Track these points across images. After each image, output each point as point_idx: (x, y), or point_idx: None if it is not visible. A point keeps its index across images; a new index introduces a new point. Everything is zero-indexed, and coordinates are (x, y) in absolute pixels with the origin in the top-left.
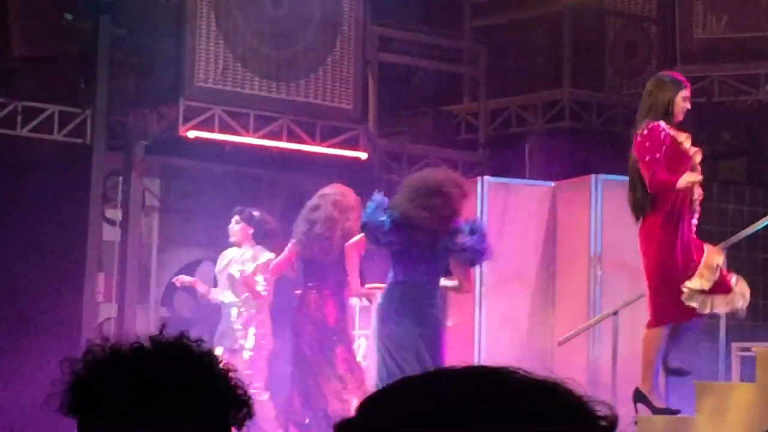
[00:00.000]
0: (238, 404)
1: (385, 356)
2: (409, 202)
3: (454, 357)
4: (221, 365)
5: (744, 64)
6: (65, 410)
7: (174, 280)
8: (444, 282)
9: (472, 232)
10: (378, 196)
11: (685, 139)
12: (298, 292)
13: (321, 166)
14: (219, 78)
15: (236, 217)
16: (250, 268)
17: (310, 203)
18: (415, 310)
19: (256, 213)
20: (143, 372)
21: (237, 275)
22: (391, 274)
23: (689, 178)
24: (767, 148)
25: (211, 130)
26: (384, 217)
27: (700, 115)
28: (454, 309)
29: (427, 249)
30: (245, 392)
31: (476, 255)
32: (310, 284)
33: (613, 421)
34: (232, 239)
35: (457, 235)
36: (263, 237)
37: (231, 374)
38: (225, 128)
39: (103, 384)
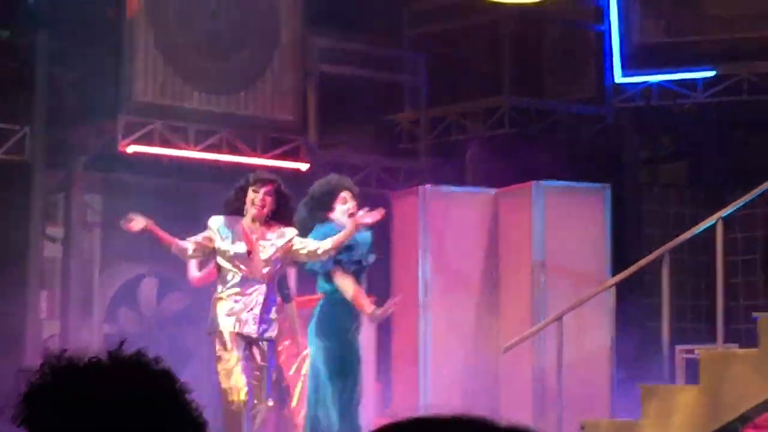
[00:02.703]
0: (195, 425)
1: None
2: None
3: (400, 365)
4: (178, 385)
5: (683, 68)
6: (17, 422)
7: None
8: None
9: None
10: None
11: None
12: None
13: None
14: (158, 92)
15: None
16: None
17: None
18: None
19: None
20: (99, 387)
21: None
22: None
23: None
24: (707, 151)
25: (151, 145)
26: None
27: (640, 119)
28: (398, 317)
29: None
30: (201, 414)
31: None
32: None
33: None
34: None
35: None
36: None
37: (188, 394)
38: (165, 142)
39: (58, 397)
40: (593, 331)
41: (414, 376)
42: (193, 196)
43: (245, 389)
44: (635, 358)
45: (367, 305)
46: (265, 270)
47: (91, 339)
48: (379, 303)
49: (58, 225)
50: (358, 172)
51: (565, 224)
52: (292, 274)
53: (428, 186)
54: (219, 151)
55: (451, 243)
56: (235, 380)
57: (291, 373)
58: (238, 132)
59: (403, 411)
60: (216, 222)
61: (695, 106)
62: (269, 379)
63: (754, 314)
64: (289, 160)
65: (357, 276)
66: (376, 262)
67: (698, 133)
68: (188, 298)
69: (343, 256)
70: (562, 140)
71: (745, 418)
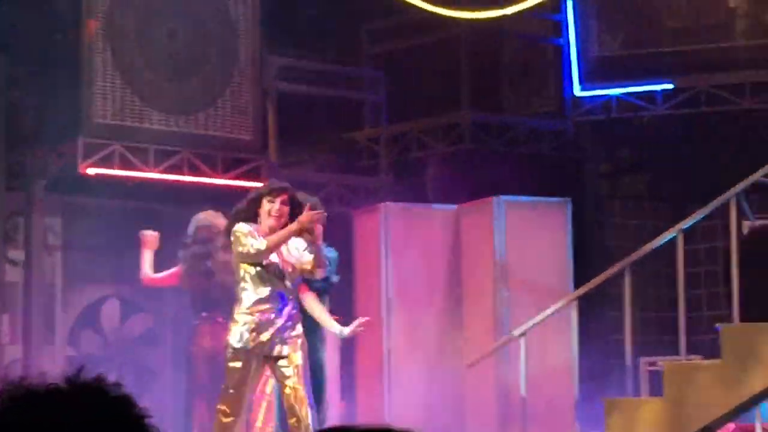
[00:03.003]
0: None
1: None
2: None
3: (365, 383)
4: (138, 410)
5: (642, 81)
6: None
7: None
8: None
9: None
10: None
11: None
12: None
13: (223, 199)
14: (117, 114)
15: None
16: None
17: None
18: None
19: None
20: (57, 414)
21: None
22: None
23: None
24: (668, 163)
25: (111, 167)
26: None
27: (600, 132)
28: (362, 335)
29: None
30: None
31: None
32: (204, 314)
33: None
34: None
35: None
36: None
37: (147, 420)
38: (125, 164)
39: (17, 424)
40: (556, 345)
41: (379, 393)
42: (155, 217)
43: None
44: (599, 371)
45: (334, 325)
46: (294, 284)
47: (53, 363)
48: (343, 322)
49: (19, 248)
50: (320, 190)
51: (527, 239)
52: None
53: (389, 203)
54: (179, 171)
55: (413, 259)
56: (242, 398)
57: (256, 393)
58: (198, 152)
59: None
60: (246, 229)
61: (655, 118)
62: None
63: (717, 325)
64: (249, 180)
65: (321, 295)
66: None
67: (658, 146)
68: (151, 319)
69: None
70: (523, 154)
71: (708, 429)
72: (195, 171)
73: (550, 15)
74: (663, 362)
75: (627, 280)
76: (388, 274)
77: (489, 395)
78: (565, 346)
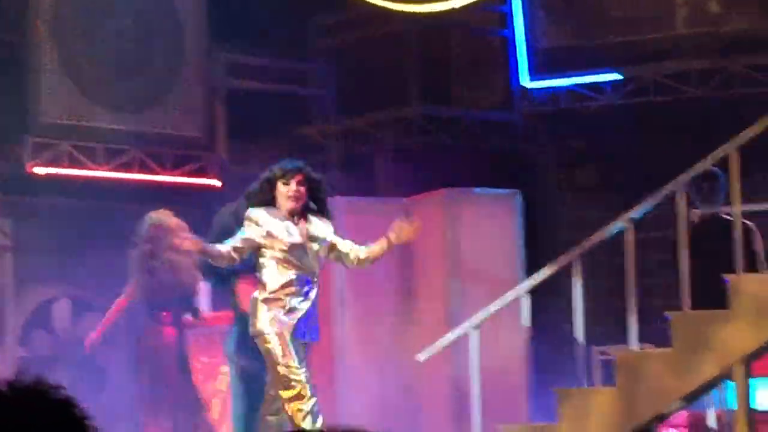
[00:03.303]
0: None
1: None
2: None
3: (317, 378)
4: (80, 412)
5: (590, 72)
6: None
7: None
8: None
9: None
10: None
11: None
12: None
13: (174, 196)
14: (65, 113)
15: None
16: None
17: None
18: None
19: None
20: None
21: None
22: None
23: None
24: (618, 154)
25: (60, 166)
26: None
27: (549, 124)
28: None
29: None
30: None
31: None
32: (153, 313)
33: None
34: None
35: None
36: None
37: (89, 421)
38: (74, 163)
39: None
40: (509, 337)
41: (331, 388)
42: (106, 216)
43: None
44: (552, 361)
45: None
46: (317, 267)
47: (4, 364)
48: None
49: None
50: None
51: (478, 231)
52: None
53: (339, 197)
54: (129, 169)
55: None
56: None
57: (209, 389)
58: (147, 150)
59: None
60: (258, 213)
61: (604, 108)
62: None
63: (666, 313)
64: (199, 177)
65: None
66: None
67: (608, 136)
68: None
69: (242, 268)
70: (473, 147)
71: (661, 417)
72: (144, 169)
73: (497, 7)
74: (614, 351)
75: (577, 270)
76: (339, 268)
77: (442, 388)
78: (517, 337)
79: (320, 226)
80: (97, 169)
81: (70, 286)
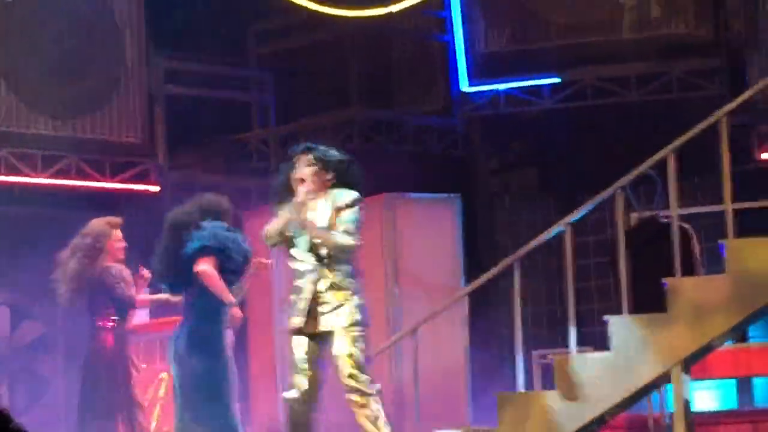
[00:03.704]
0: None
1: None
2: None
3: (259, 384)
4: (13, 425)
5: (529, 76)
6: None
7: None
8: None
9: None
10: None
11: None
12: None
13: (113, 202)
14: (3, 119)
15: None
16: None
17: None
18: None
19: None
20: None
21: None
22: None
23: None
24: (556, 157)
25: None
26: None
27: (489, 128)
28: (255, 336)
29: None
30: None
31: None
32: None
33: None
34: None
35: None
36: None
37: None
38: (12, 170)
39: None
40: (448, 342)
41: (272, 393)
42: (44, 223)
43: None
44: (491, 365)
45: (228, 295)
46: (325, 258)
47: None
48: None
49: None
50: (210, 192)
51: (418, 235)
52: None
53: None
54: (67, 176)
55: None
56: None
57: (148, 396)
58: (86, 157)
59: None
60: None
61: (543, 112)
62: None
63: (605, 317)
64: (138, 183)
65: (229, 286)
66: None
67: (547, 140)
68: (42, 326)
69: (225, 261)
70: (413, 152)
71: (600, 421)
72: (83, 175)
73: (436, 12)
74: (553, 356)
75: (516, 275)
76: (280, 274)
77: (383, 392)
78: (457, 342)
79: (320, 212)
80: (35, 177)
81: (8, 294)
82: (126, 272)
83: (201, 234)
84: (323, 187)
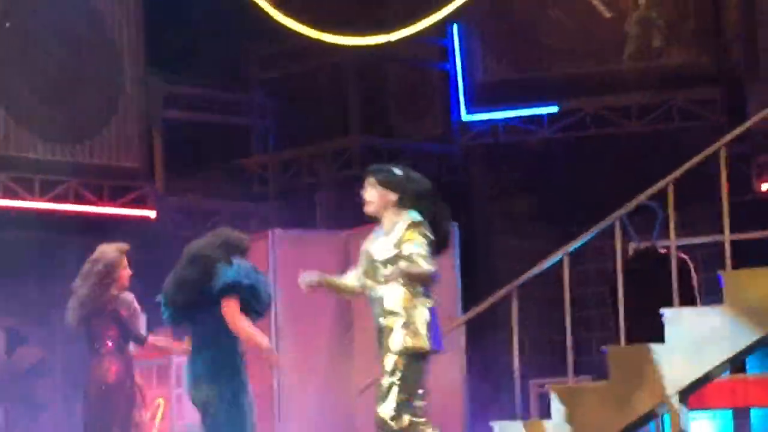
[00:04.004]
0: None
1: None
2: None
3: (256, 411)
4: None
5: (528, 104)
6: None
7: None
8: None
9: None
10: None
11: None
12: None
13: (112, 227)
14: (1, 144)
15: None
16: None
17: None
18: None
19: None
20: None
21: None
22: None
23: None
24: (555, 186)
25: None
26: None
27: (488, 156)
28: (252, 363)
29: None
30: None
31: (226, 289)
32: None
33: None
34: None
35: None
36: None
37: None
38: (10, 194)
39: None
40: (446, 370)
41: (270, 421)
42: (43, 247)
43: None
44: (489, 394)
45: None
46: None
47: None
48: None
49: None
50: (209, 217)
51: None
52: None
53: (278, 230)
54: (65, 200)
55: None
56: None
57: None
58: (84, 181)
59: None
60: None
61: (542, 141)
62: None
63: (603, 347)
64: (136, 208)
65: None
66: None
67: (545, 169)
68: (39, 351)
69: (252, 301)
70: None
71: None
72: (81, 200)
73: (436, 40)
74: (551, 385)
75: (514, 303)
76: (278, 302)
77: None
78: (454, 370)
79: (377, 243)
80: (33, 201)
81: (5, 318)
82: (136, 304)
83: (233, 270)
84: (390, 207)
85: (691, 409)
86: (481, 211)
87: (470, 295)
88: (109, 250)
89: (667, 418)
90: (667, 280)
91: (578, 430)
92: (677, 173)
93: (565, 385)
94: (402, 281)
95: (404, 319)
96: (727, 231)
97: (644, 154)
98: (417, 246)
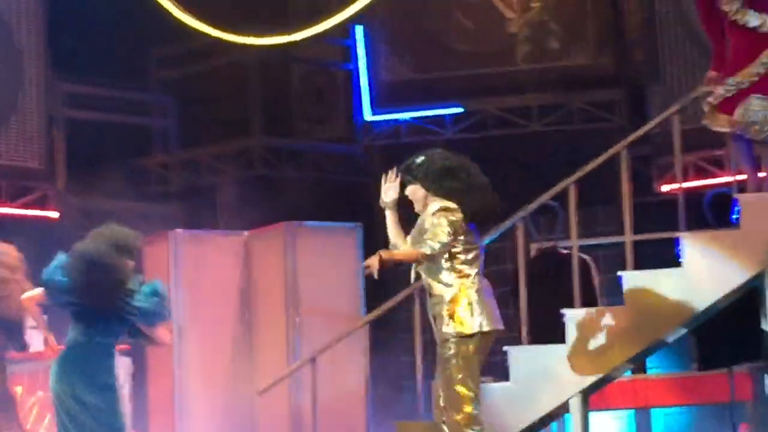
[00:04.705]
0: None
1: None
2: (77, 271)
3: (156, 412)
4: None
5: (431, 105)
6: None
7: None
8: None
9: (153, 294)
10: (61, 256)
11: None
12: None
13: (12, 228)
14: None
15: None
16: None
17: None
18: (89, 371)
19: None
20: None
21: None
22: (70, 335)
23: None
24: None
25: None
26: (62, 278)
27: (391, 156)
28: (153, 364)
29: (103, 311)
30: None
31: (150, 317)
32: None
33: None
34: None
35: (131, 298)
36: None
37: None
38: None
39: None
40: (348, 370)
41: (170, 421)
42: None
43: None
44: (392, 394)
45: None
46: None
47: None
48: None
49: None
50: (109, 217)
51: (318, 264)
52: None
53: (178, 230)
54: None
55: (204, 287)
56: None
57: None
58: None
59: None
60: None
61: (444, 142)
62: None
63: (505, 347)
64: (37, 209)
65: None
66: None
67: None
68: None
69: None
70: (315, 180)
71: None
72: None
73: (339, 40)
74: None
75: (416, 304)
76: (179, 302)
77: (282, 421)
78: (357, 370)
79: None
80: None
81: None
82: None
83: (153, 296)
84: (428, 198)
85: (593, 409)
86: (384, 213)
87: (373, 296)
88: (10, 254)
89: (568, 418)
90: (568, 280)
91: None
92: (579, 174)
93: None
94: (446, 266)
95: (449, 304)
96: (628, 231)
97: (546, 155)
98: (433, 228)
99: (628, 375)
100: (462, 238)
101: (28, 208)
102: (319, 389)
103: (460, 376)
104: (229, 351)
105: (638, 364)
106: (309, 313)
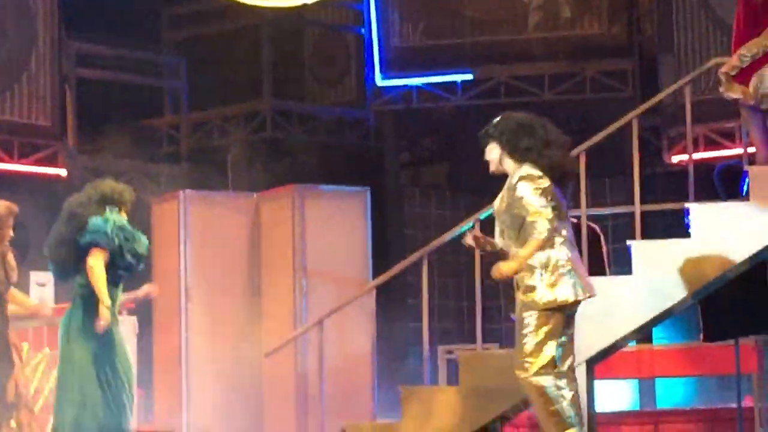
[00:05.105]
0: None
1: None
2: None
3: (162, 370)
4: None
5: (442, 71)
6: None
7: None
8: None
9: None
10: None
11: None
12: None
13: (22, 184)
14: None
15: None
16: None
17: None
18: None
19: None
20: None
21: None
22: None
23: None
24: (467, 154)
25: None
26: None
27: (401, 122)
28: (159, 322)
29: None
30: None
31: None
32: None
33: None
34: None
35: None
36: None
37: None
38: None
39: None
40: (355, 335)
41: (176, 382)
42: None
43: None
44: (398, 359)
45: (106, 297)
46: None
47: None
48: (138, 311)
49: None
50: (119, 177)
51: (326, 228)
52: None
53: (188, 191)
54: None
55: (212, 248)
56: None
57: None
58: None
59: (165, 416)
60: None
61: (455, 108)
62: None
63: (512, 315)
64: (47, 166)
65: (118, 281)
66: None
67: (458, 136)
68: None
69: (117, 257)
70: (324, 143)
71: (504, 417)
72: None
73: (351, 4)
74: (459, 351)
75: (424, 269)
76: (187, 263)
77: (288, 384)
78: (364, 335)
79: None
80: None
81: None
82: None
83: (96, 226)
84: (504, 159)
85: (598, 378)
86: (393, 177)
87: (381, 261)
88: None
89: None
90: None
91: (485, 396)
92: (589, 143)
93: (472, 352)
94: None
95: (534, 274)
96: (637, 201)
97: (557, 123)
98: (530, 200)
99: (633, 345)
100: (554, 203)
101: (37, 165)
102: (325, 353)
103: (546, 344)
104: (236, 312)
105: (644, 334)
106: (316, 276)
